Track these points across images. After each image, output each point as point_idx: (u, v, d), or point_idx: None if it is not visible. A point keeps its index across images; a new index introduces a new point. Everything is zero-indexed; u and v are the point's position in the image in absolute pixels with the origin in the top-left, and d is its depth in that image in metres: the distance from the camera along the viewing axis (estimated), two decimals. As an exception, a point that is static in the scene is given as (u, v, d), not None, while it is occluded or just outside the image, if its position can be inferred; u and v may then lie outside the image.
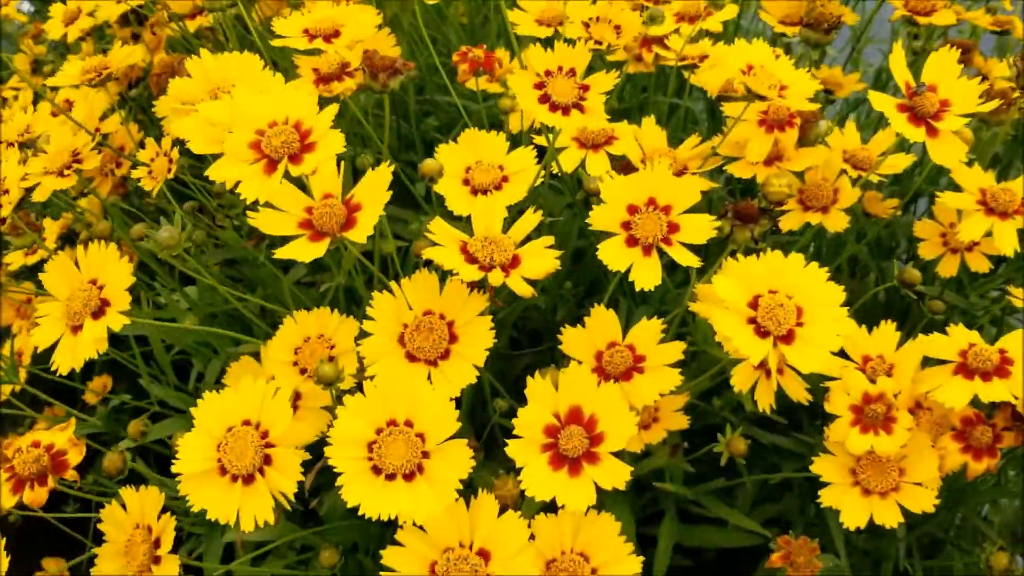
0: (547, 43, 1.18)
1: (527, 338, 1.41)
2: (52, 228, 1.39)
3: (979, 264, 1.04)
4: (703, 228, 0.86)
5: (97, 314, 0.89)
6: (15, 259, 1.36)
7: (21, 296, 1.61)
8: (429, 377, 0.84)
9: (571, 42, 0.88)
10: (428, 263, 0.85)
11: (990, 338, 1.39)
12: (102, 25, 1.58)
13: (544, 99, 0.84)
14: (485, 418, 1.15)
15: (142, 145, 1.09)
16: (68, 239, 1.64)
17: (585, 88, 0.85)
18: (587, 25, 1.05)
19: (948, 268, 1.06)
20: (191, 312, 1.26)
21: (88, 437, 1.22)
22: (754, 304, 0.82)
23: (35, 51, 1.82)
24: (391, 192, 0.81)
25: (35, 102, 1.66)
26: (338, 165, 0.84)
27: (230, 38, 1.21)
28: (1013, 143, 1.33)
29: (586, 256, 1.29)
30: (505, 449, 0.78)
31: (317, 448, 0.81)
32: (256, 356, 1.00)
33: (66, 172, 1.04)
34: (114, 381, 1.72)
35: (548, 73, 0.85)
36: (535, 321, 1.30)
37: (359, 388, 0.85)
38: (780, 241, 1.29)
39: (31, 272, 1.52)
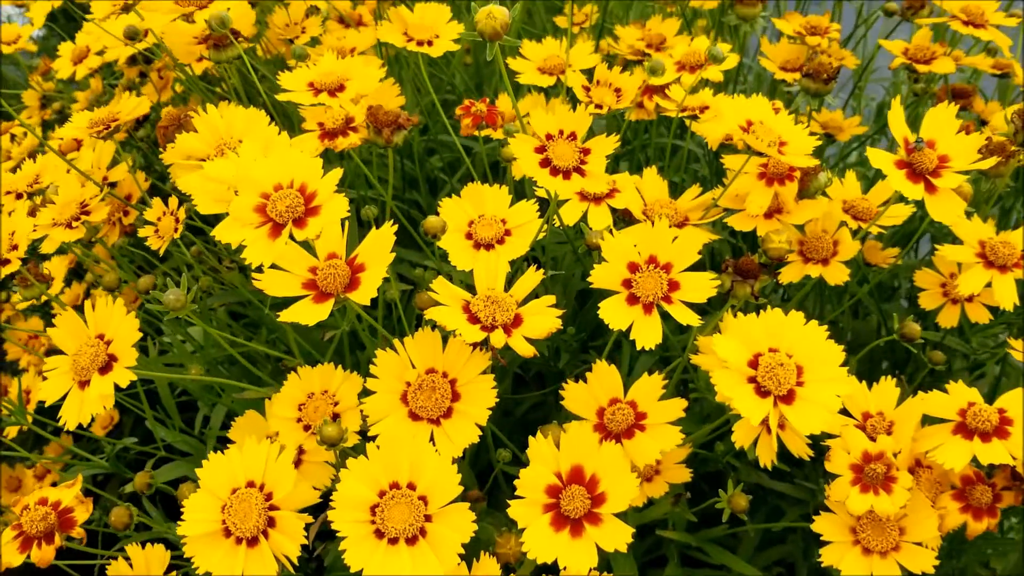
0: (549, 91, 1.20)
1: (532, 379, 1.41)
2: (60, 266, 1.40)
3: (979, 315, 1.05)
4: (703, 286, 0.87)
5: (104, 369, 0.89)
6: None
7: (29, 331, 1.63)
8: (432, 437, 0.84)
9: (573, 102, 0.89)
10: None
11: (993, 377, 1.40)
12: (111, 62, 1.61)
13: (545, 163, 0.85)
14: (488, 461, 1.16)
15: (150, 193, 1.11)
16: (75, 272, 1.65)
17: (586, 152, 0.86)
18: (587, 88, 1.06)
19: (948, 319, 1.07)
20: (196, 355, 1.27)
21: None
22: (754, 363, 0.83)
23: (44, 87, 1.84)
24: (394, 253, 0.83)
25: (42, 144, 1.68)
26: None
27: (234, 79, 1.23)
28: (1014, 186, 1.33)
29: (589, 300, 1.30)
30: (507, 511, 0.79)
31: (323, 496, 0.82)
32: (260, 404, 1.01)
33: (74, 224, 1.05)
34: (120, 413, 1.73)
35: (549, 137, 0.85)
36: (539, 365, 1.30)
37: (363, 435, 0.86)
38: (783, 284, 1.30)
39: (39, 305, 1.54)
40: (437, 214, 0.98)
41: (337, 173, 0.82)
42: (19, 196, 1.11)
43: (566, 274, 1.27)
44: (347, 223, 0.85)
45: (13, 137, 1.79)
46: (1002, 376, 1.45)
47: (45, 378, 0.93)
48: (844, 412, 0.91)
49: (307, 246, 0.85)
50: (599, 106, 1.04)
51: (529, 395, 1.29)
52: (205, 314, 1.30)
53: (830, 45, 1.27)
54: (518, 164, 0.84)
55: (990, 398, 1.45)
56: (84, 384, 0.90)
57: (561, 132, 0.86)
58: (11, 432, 1.41)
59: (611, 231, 0.89)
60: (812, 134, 0.97)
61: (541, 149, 0.85)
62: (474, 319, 0.85)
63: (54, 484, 1.60)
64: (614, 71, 1.08)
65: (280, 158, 0.84)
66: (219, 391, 1.28)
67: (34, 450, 1.77)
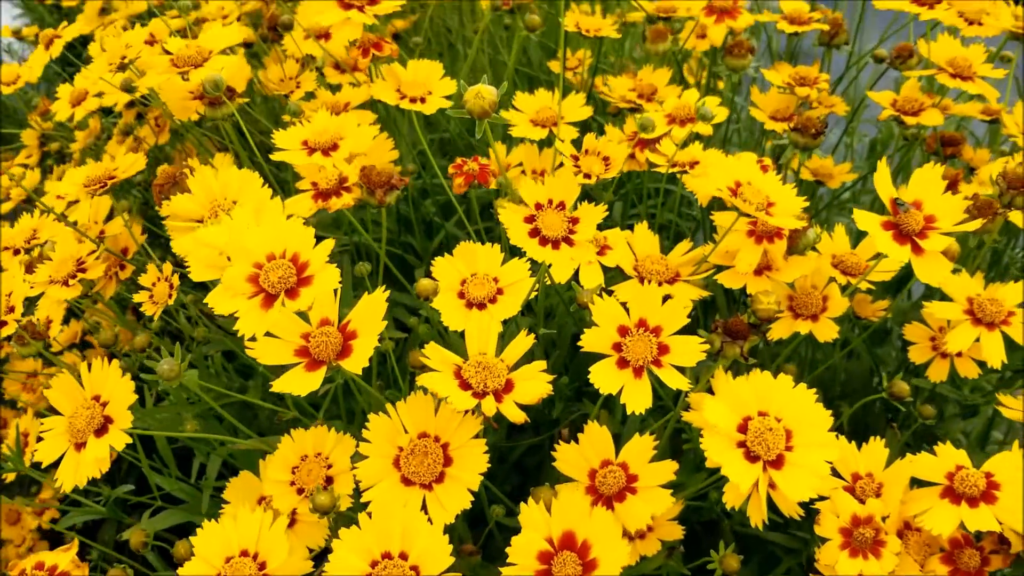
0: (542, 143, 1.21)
1: (528, 424, 1.42)
2: (58, 309, 1.41)
3: (968, 370, 1.05)
4: (693, 350, 0.88)
5: (100, 432, 0.90)
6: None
7: (27, 371, 1.64)
8: (424, 502, 0.85)
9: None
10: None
11: (987, 417, 1.41)
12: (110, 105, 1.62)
13: (534, 233, 0.86)
14: (482, 508, 1.17)
15: (147, 236, 1.11)
16: (72, 310, 1.66)
17: (575, 221, 0.87)
18: (576, 158, 1.07)
19: (938, 373, 1.07)
20: (192, 404, 1.28)
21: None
22: (743, 427, 0.83)
23: (43, 127, 1.86)
24: (385, 322, 0.84)
25: (43, 180, 1.69)
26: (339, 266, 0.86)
27: (228, 129, 1.24)
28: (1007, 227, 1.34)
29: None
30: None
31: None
32: (254, 461, 1.01)
33: (71, 282, 1.06)
34: (117, 455, 1.74)
35: (539, 206, 0.86)
36: (534, 412, 1.31)
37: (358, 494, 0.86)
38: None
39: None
40: (432, 263, 0.99)
41: (329, 244, 0.83)
42: (16, 251, 1.12)
43: (560, 319, 1.28)
44: (339, 291, 0.86)
45: (12, 177, 1.81)
46: (995, 416, 1.45)
47: (41, 438, 0.94)
48: (834, 473, 0.92)
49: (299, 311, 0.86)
50: (588, 175, 1.05)
51: (523, 442, 1.29)
52: (200, 361, 1.31)
53: (819, 94, 1.28)
54: (508, 234, 0.84)
55: (984, 437, 1.46)
56: (80, 446, 0.90)
57: (550, 201, 0.87)
58: (9, 477, 1.41)
59: (601, 294, 0.90)
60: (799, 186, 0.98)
61: (531, 219, 0.86)
62: (466, 385, 0.86)
63: (53, 521, 1.61)
64: (602, 140, 1.10)
65: (272, 227, 0.85)
66: (213, 440, 1.29)
67: (32, 486, 1.78)
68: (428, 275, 0.98)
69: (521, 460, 1.41)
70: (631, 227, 1.08)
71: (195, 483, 1.32)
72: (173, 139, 1.66)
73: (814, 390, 0.85)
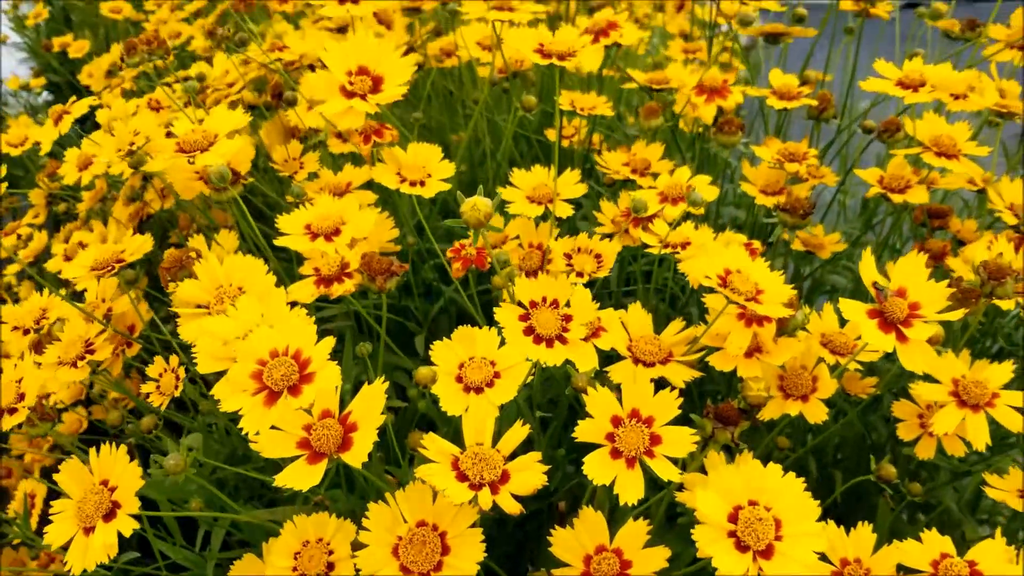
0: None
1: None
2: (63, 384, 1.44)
3: (955, 448, 1.07)
4: (684, 441, 0.90)
5: (108, 516, 0.93)
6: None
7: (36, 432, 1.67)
8: (423, 591, 0.87)
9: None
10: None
11: (979, 479, 1.42)
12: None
13: (529, 331, 0.89)
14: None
15: (153, 324, 1.14)
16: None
17: (568, 319, 0.90)
18: (568, 256, 1.10)
19: (926, 450, 1.09)
20: (198, 469, 1.30)
21: None
22: (734, 517, 0.86)
23: (50, 187, 1.89)
24: (384, 415, 0.86)
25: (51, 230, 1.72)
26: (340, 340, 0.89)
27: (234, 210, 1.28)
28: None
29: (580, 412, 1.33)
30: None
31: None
32: (258, 529, 1.03)
33: (79, 363, 1.09)
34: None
35: (533, 304, 0.89)
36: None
37: None
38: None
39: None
40: (431, 348, 1.02)
41: (330, 342, 0.86)
42: (26, 332, 1.15)
43: (556, 389, 1.30)
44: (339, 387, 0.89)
45: (19, 236, 1.84)
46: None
47: (50, 519, 0.96)
48: (823, 558, 0.94)
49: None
50: (580, 273, 1.08)
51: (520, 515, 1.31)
52: (204, 428, 1.34)
53: (808, 168, 1.31)
54: (504, 333, 0.87)
55: (977, 495, 1.47)
56: (89, 530, 0.93)
57: (544, 299, 0.90)
58: (16, 540, 1.43)
59: (595, 386, 0.92)
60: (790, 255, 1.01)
61: (525, 317, 0.89)
62: (463, 476, 0.88)
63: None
64: (595, 238, 1.13)
65: (276, 326, 0.88)
66: (220, 506, 1.31)
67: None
68: (427, 346, 1.01)
69: (520, 527, 1.42)
70: (626, 292, 1.11)
71: (200, 552, 1.34)
72: (177, 201, 1.69)
73: (802, 480, 0.87)
